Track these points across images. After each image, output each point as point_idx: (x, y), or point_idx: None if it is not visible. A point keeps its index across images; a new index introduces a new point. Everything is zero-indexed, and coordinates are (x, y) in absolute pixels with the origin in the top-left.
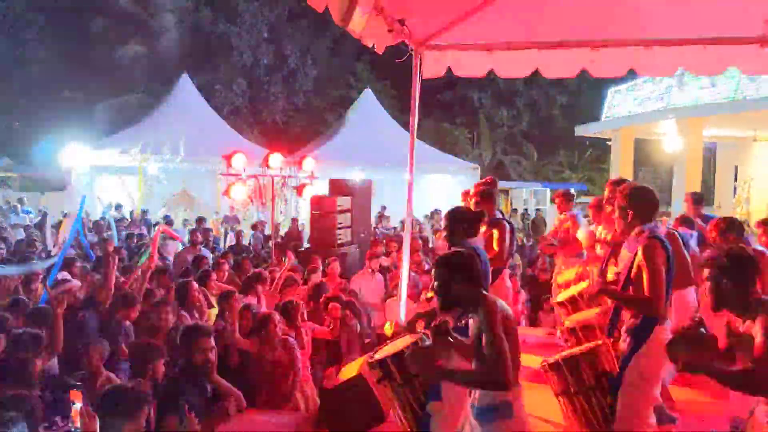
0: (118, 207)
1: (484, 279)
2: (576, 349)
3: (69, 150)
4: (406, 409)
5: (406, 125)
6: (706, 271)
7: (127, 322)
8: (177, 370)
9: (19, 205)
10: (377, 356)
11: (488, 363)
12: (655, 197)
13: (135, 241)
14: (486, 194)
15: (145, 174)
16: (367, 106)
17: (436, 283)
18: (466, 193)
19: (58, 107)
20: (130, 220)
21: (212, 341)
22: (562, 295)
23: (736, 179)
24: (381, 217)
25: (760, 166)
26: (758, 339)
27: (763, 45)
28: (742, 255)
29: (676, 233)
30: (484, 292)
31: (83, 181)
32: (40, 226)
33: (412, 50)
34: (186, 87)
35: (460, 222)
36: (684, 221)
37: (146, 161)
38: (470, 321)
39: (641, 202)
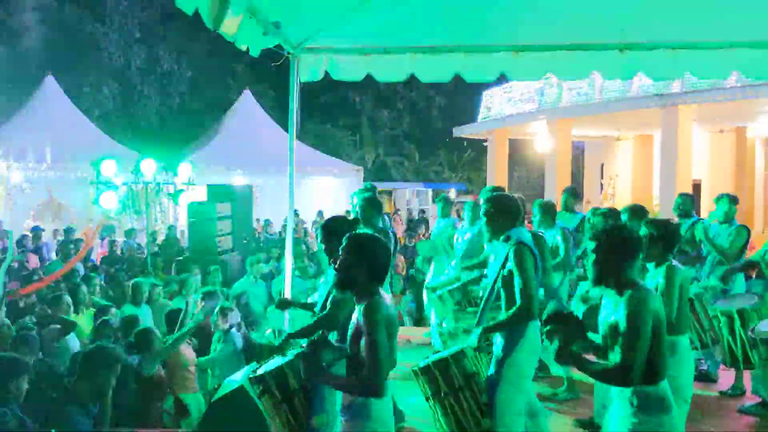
0: None
1: (382, 275)
2: (445, 352)
3: None
4: (285, 425)
5: (286, 127)
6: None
7: None
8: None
9: None
10: (259, 371)
11: (365, 369)
12: (517, 203)
13: None
14: (370, 201)
15: (7, 183)
16: (247, 108)
17: (339, 260)
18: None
19: None
20: None
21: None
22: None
23: (602, 176)
24: (265, 225)
25: (623, 164)
26: (622, 325)
27: (622, 51)
28: (622, 233)
29: (540, 234)
30: (379, 287)
31: None
32: None
33: (288, 54)
34: (51, 89)
35: (336, 234)
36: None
37: (9, 168)
38: (353, 315)
39: (504, 209)
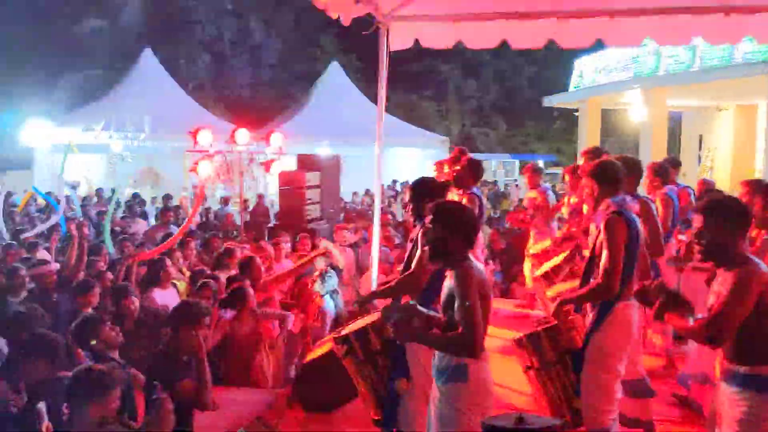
0: (75, 186)
1: (472, 241)
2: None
3: (30, 127)
4: (369, 387)
5: (373, 98)
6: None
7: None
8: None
9: None
10: (343, 332)
11: (459, 329)
12: (620, 171)
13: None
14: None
15: (108, 152)
16: (334, 80)
17: (431, 231)
18: (440, 164)
19: (20, 84)
20: (97, 199)
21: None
22: (542, 269)
23: (700, 148)
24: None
25: (723, 135)
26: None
27: (727, 14)
28: (736, 205)
29: (648, 201)
30: (469, 253)
31: (47, 160)
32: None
33: (378, 22)
34: (149, 62)
35: (425, 194)
36: None
37: (110, 139)
38: (444, 283)
39: (606, 176)
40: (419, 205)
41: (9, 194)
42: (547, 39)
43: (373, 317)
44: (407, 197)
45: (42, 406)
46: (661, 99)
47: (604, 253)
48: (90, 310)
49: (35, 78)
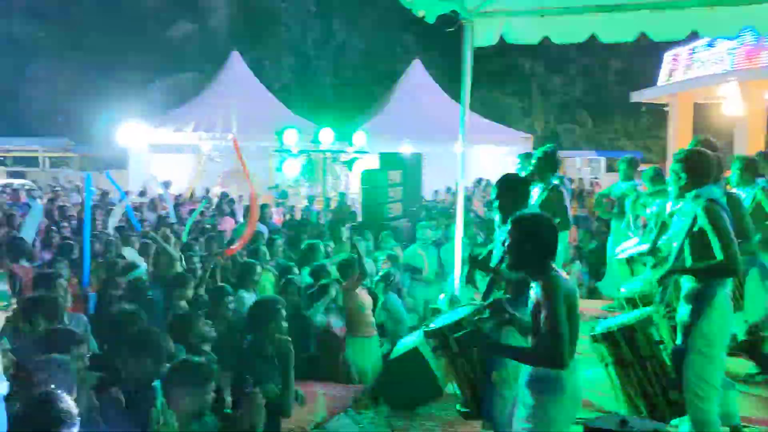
0: (167, 185)
1: (553, 251)
2: (628, 318)
3: (125, 129)
4: (464, 381)
5: (455, 96)
6: None
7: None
8: (246, 345)
9: (80, 185)
10: (432, 325)
11: (545, 340)
12: (711, 161)
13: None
14: (547, 156)
15: (199, 152)
16: (416, 78)
17: (507, 241)
18: (523, 157)
19: (115, 87)
20: (189, 197)
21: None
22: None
23: None
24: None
25: None
26: None
27: None
28: None
29: (734, 194)
30: (552, 264)
31: (141, 160)
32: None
33: (463, 19)
34: (236, 64)
35: (510, 190)
36: None
37: (200, 140)
38: (530, 292)
39: (696, 166)
40: (505, 201)
41: (105, 193)
42: (639, 32)
43: (465, 310)
44: (493, 194)
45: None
46: (759, 92)
47: (715, 238)
48: (185, 305)
49: (131, 81)
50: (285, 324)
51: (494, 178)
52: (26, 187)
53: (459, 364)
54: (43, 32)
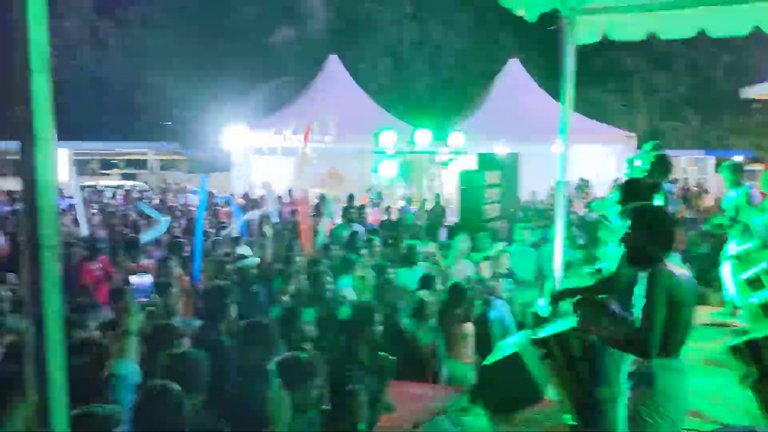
0: (266, 186)
1: (671, 245)
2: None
3: (228, 133)
4: (568, 392)
5: (553, 94)
6: None
7: (285, 297)
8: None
9: (188, 186)
10: (541, 334)
11: (636, 327)
12: None
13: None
14: (660, 160)
15: (296, 154)
16: (513, 77)
17: (629, 236)
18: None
19: (220, 93)
20: (290, 198)
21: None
22: (747, 274)
23: None
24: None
25: None
26: None
27: None
28: None
29: None
30: (666, 257)
31: (242, 162)
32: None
33: (564, 16)
34: (334, 67)
35: (635, 196)
36: None
37: (299, 142)
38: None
39: None
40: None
41: (212, 194)
42: (753, 25)
43: (572, 320)
44: (617, 198)
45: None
46: None
47: None
48: (287, 300)
49: (234, 87)
50: (380, 327)
51: (595, 178)
52: (138, 189)
53: (565, 377)
54: (155, 42)
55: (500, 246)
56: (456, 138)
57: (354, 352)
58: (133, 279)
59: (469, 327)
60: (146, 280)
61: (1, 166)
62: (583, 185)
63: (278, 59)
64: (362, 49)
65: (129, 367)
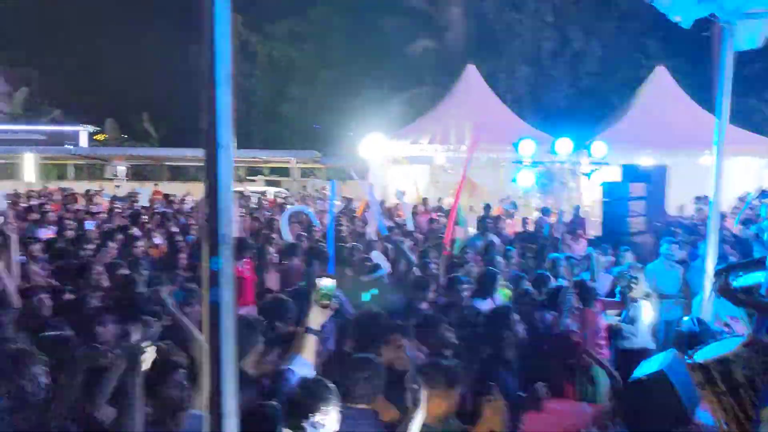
0: (400, 195)
1: None
2: None
3: (366, 142)
4: (731, 419)
5: (703, 103)
6: None
7: (424, 305)
8: (486, 353)
9: (326, 193)
10: (698, 359)
11: None
12: None
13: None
14: None
15: (431, 163)
16: (660, 85)
17: None
18: None
19: (359, 103)
20: (424, 207)
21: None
22: None
23: None
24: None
25: None
26: None
27: None
28: None
29: None
30: None
31: (379, 171)
32: (343, 213)
33: (723, 21)
34: (471, 77)
35: None
36: None
37: (434, 152)
38: None
39: None
40: None
41: (350, 200)
42: None
43: (733, 342)
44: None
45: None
46: None
47: None
48: (425, 307)
49: (373, 97)
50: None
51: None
52: (282, 195)
53: (726, 403)
54: (299, 54)
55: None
56: (599, 148)
57: (495, 360)
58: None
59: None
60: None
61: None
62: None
63: (416, 70)
64: (500, 59)
65: (304, 364)
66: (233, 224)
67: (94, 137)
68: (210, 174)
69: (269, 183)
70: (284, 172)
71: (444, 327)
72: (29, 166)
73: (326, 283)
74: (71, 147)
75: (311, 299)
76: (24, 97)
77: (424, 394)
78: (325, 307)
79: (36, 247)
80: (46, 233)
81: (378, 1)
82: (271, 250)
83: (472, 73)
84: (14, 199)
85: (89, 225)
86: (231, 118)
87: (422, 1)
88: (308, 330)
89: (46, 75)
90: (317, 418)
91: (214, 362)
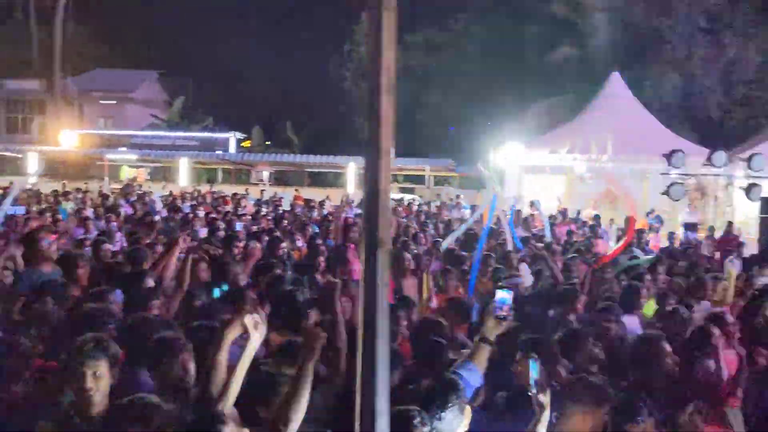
0: (533, 204)
1: None
2: None
3: (502, 151)
4: None
5: None
6: None
7: (572, 316)
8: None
9: (461, 201)
10: None
11: None
12: None
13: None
14: None
15: (569, 173)
16: None
17: None
18: None
19: (493, 111)
20: (561, 218)
21: None
22: None
23: None
24: None
25: None
26: None
27: None
28: None
29: None
30: None
31: (513, 180)
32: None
33: None
34: (616, 85)
35: None
36: None
37: (573, 161)
38: None
39: None
40: None
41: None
42: None
43: None
44: None
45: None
46: None
47: None
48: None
49: (510, 106)
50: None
51: None
52: (416, 202)
53: None
54: (435, 63)
55: None
56: (758, 161)
57: (643, 383)
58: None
59: None
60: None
61: None
62: None
63: (556, 78)
64: (647, 66)
65: (473, 371)
66: (390, 228)
67: (242, 144)
68: (370, 179)
69: (402, 190)
70: (418, 179)
71: (592, 343)
72: (184, 171)
73: (503, 295)
74: (221, 153)
75: (487, 310)
76: (181, 105)
77: (570, 411)
78: (501, 319)
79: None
80: (201, 233)
81: (518, 9)
82: (408, 256)
83: (616, 81)
84: (169, 200)
85: (238, 226)
86: (392, 125)
87: (565, 7)
88: (484, 340)
89: (201, 85)
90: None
91: (368, 362)
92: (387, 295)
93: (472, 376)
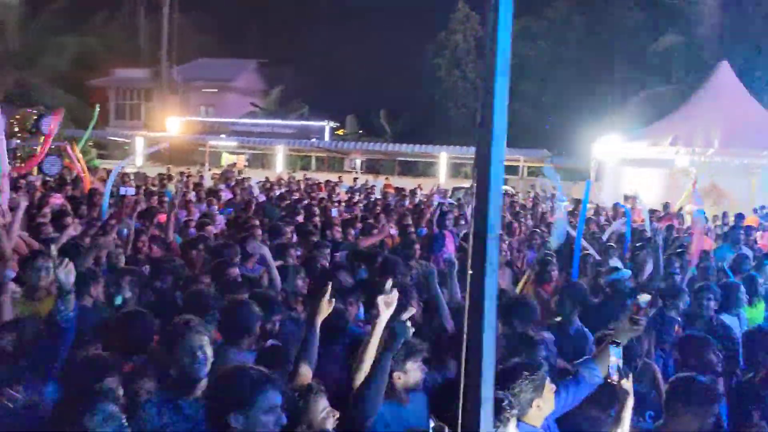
0: (627, 198)
1: None
2: None
3: (601, 143)
4: None
5: None
6: None
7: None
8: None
9: (556, 194)
10: None
11: None
12: None
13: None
14: None
15: (671, 166)
16: None
17: None
18: None
19: (593, 102)
20: (664, 212)
21: None
22: None
23: None
24: None
25: None
26: None
27: None
28: None
29: None
30: None
31: (611, 172)
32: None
33: None
34: (724, 75)
35: None
36: None
37: (676, 154)
38: None
39: None
40: None
41: (577, 202)
42: None
43: None
44: None
45: None
46: None
47: None
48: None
49: (611, 96)
50: None
51: None
52: (509, 193)
53: None
54: (534, 52)
55: None
56: None
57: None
58: None
59: None
60: None
61: None
62: None
63: (660, 67)
64: (758, 55)
65: (594, 371)
66: (500, 215)
67: (336, 132)
68: (482, 165)
69: None
70: (512, 170)
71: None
72: (280, 158)
73: (644, 298)
74: (316, 140)
75: (623, 312)
76: (278, 94)
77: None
78: (636, 323)
79: (288, 230)
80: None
81: None
82: (504, 246)
83: (725, 71)
84: (266, 185)
85: (334, 212)
86: (506, 111)
87: None
88: (614, 342)
89: (298, 74)
90: None
91: (474, 348)
92: (496, 281)
93: (593, 375)
